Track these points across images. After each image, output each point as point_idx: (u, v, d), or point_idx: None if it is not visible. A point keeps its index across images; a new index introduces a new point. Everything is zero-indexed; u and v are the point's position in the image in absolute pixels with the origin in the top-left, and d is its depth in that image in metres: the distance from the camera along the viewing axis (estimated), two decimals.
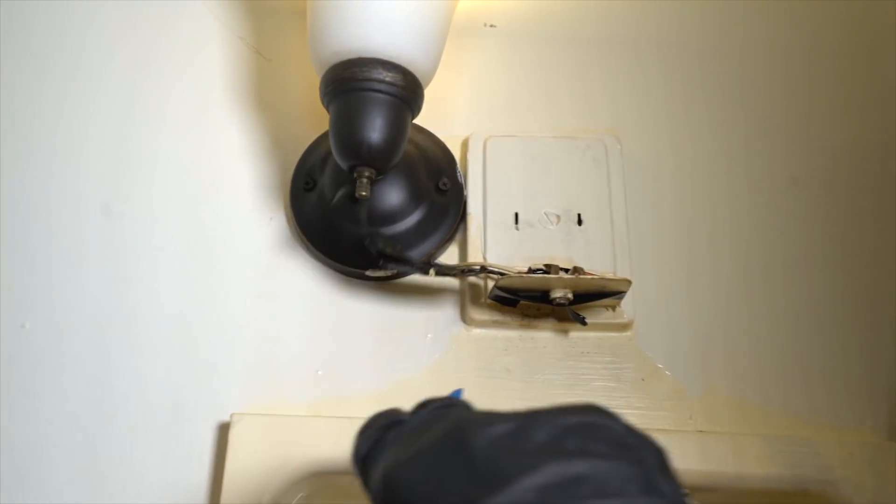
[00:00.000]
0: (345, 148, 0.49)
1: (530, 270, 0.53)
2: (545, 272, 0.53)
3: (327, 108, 0.51)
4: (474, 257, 0.57)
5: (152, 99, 0.63)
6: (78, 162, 0.61)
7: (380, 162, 0.49)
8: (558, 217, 0.58)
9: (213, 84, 0.64)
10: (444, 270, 0.51)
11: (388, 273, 0.53)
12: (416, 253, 0.56)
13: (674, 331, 0.56)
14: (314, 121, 0.61)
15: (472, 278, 0.56)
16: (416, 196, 0.57)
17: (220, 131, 0.62)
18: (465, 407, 0.33)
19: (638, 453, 0.26)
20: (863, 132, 0.63)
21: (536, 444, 0.26)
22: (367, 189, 0.49)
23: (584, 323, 0.54)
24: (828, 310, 0.57)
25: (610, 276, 0.54)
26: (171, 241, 0.59)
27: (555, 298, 0.52)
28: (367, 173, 0.49)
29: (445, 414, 0.31)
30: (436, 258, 0.58)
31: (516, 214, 0.58)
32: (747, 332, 0.56)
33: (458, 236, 0.59)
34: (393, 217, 0.56)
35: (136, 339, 0.56)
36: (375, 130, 0.48)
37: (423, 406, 0.33)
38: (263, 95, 0.63)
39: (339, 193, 0.49)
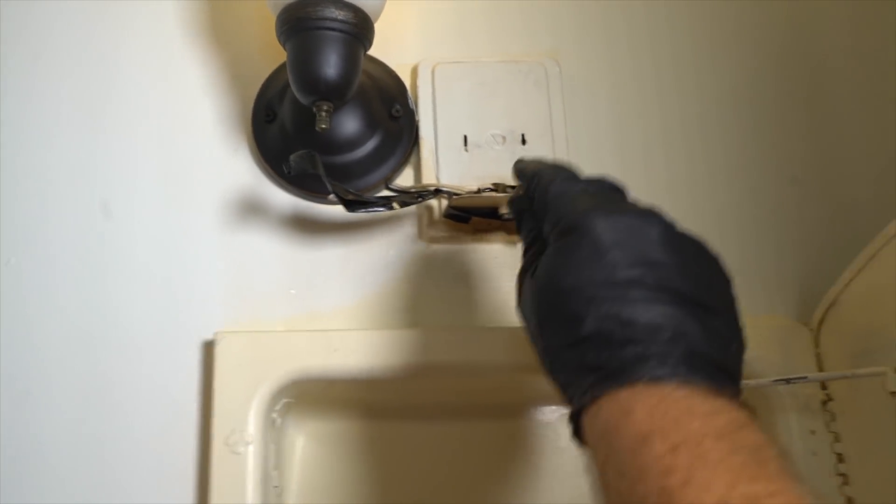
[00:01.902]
0: (304, 84, 0.53)
1: (479, 190, 0.58)
2: (493, 190, 0.58)
3: (284, 45, 0.54)
4: (428, 179, 0.61)
5: (110, 39, 0.65)
6: (43, 105, 0.64)
7: (337, 95, 0.53)
8: (504, 138, 0.63)
9: (169, 21, 0.66)
10: (405, 201, 0.56)
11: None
12: (374, 177, 0.61)
13: None
14: (270, 53, 0.64)
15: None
16: (371, 124, 0.61)
17: (179, 68, 0.65)
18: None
19: None
20: (786, 43, 0.68)
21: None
22: (326, 122, 0.53)
23: None
24: (743, 209, 0.63)
25: None
26: (144, 175, 0.62)
27: (503, 214, 0.58)
28: (325, 107, 0.53)
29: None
30: (392, 181, 0.62)
31: (465, 137, 0.62)
32: None
33: (412, 159, 0.63)
34: (351, 145, 0.60)
35: (118, 268, 0.60)
36: (331, 66, 0.52)
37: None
38: (219, 31, 0.66)
39: (294, 159, 0.53)
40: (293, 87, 0.53)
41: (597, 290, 0.35)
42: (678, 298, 0.34)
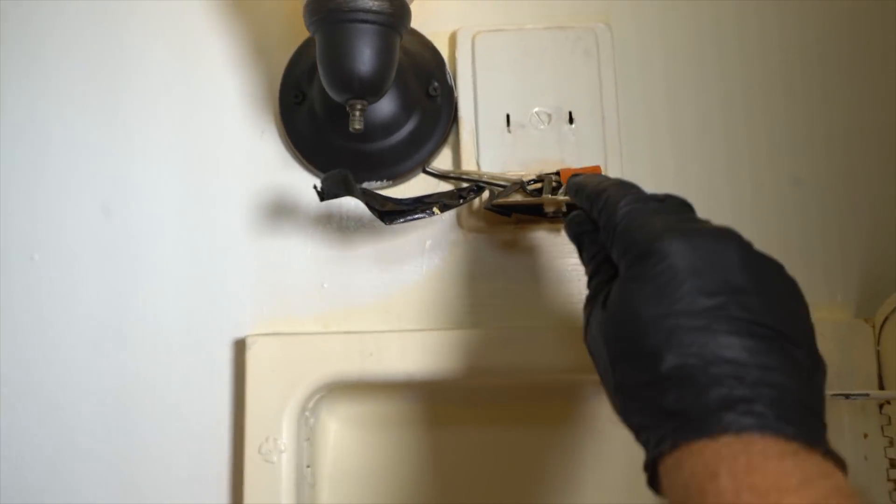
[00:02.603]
0: (335, 82, 0.48)
1: (524, 183, 0.54)
2: (538, 181, 0.54)
3: (312, 34, 0.49)
4: (468, 164, 0.57)
5: (122, 9, 0.60)
6: (61, 84, 0.60)
7: (372, 93, 0.49)
8: (549, 116, 0.58)
9: None
10: (446, 204, 0.52)
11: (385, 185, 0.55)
12: (410, 163, 0.57)
13: None
14: (297, 23, 0.59)
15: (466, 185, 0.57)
16: (407, 106, 0.56)
17: (198, 41, 0.60)
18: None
19: None
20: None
21: None
22: (360, 122, 0.49)
23: None
24: (810, 189, 0.59)
25: None
26: (165, 161, 0.59)
27: (549, 212, 0.54)
28: (359, 106, 0.49)
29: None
30: (429, 164, 0.58)
31: (507, 116, 0.58)
32: (733, 216, 0.58)
33: (451, 139, 0.59)
34: (387, 130, 0.56)
35: (143, 264, 0.57)
36: (365, 63, 0.48)
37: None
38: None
39: (325, 184, 0.49)
40: (324, 83, 0.49)
41: (677, 320, 0.33)
42: (762, 329, 0.32)
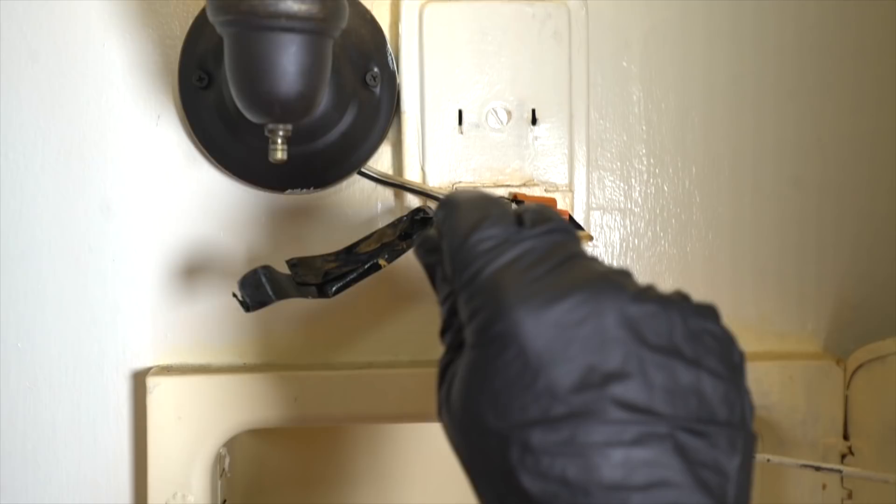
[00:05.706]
0: (251, 103, 0.38)
1: None
2: None
3: (218, 31, 0.38)
4: (411, 168, 0.48)
5: None
6: None
7: (297, 116, 0.39)
8: (509, 114, 0.49)
9: None
10: (395, 250, 0.43)
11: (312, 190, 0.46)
12: (343, 169, 0.48)
13: (631, 237, 0.52)
14: None
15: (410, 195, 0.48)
16: (340, 102, 0.46)
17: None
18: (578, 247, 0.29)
19: None
20: None
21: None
22: (283, 152, 0.39)
23: None
24: (791, 213, 0.53)
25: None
26: (35, 147, 0.47)
27: None
28: (282, 132, 0.39)
29: (564, 255, 0.27)
30: (363, 167, 0.49)
31: (460, 112, 0.48)
32: (706, 239, 0.52)
33: (391, 134, 0.49)
34: (313, 133, 0.46)
35: (16, 284, 0.47)
36: (289, 83, 0.37)
37: (527, 216, 0.29)
38: None
39: (245, 295, 0.39)
40: (236, 101, 0.38)
41: (530, 435, 0.25)
42: (650, 427, 0.24)
